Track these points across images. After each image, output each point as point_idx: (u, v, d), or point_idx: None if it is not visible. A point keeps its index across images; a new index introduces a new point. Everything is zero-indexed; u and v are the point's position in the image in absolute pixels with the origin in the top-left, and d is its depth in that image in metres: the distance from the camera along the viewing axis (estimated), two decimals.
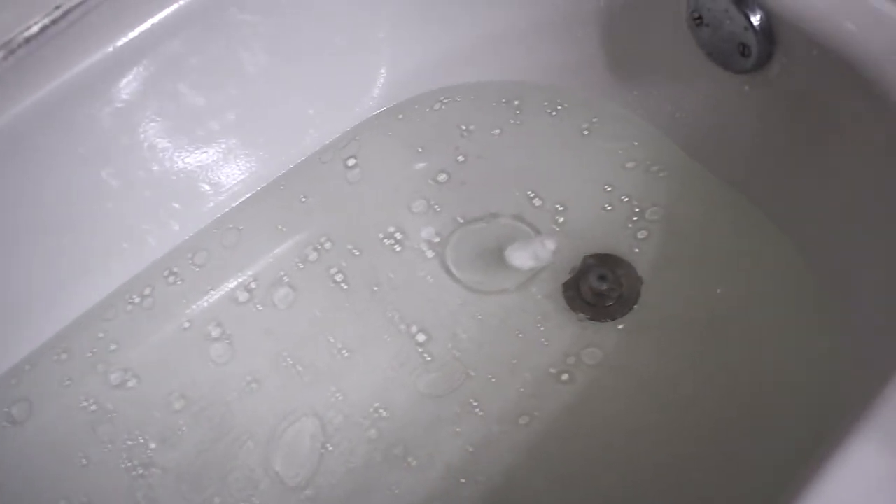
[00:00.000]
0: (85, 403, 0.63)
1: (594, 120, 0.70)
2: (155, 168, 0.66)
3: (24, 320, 0.63)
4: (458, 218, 0.67)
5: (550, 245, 0.61)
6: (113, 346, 0.64)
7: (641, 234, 0.64)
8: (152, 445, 0.61)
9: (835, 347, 0.54)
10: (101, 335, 0.65)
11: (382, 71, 0.73)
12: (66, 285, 0.65)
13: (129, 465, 0.61)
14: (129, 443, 0.61)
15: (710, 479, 0.55)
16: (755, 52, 0.53)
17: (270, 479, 0.59)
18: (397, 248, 0.67)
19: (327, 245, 0.68)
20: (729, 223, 0.63)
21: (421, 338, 0.63)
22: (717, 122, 0.63)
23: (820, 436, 0.41)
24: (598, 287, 0.61)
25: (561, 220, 0.66)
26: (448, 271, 0.65)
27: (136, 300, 0.66)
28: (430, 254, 0.66)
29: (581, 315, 0.61)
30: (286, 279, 0.66)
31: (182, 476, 0.60)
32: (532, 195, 0.67)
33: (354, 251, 0.67)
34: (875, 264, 0.52)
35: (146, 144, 0.65)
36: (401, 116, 0.73)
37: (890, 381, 0.39)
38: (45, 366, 0.64)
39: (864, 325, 0.52)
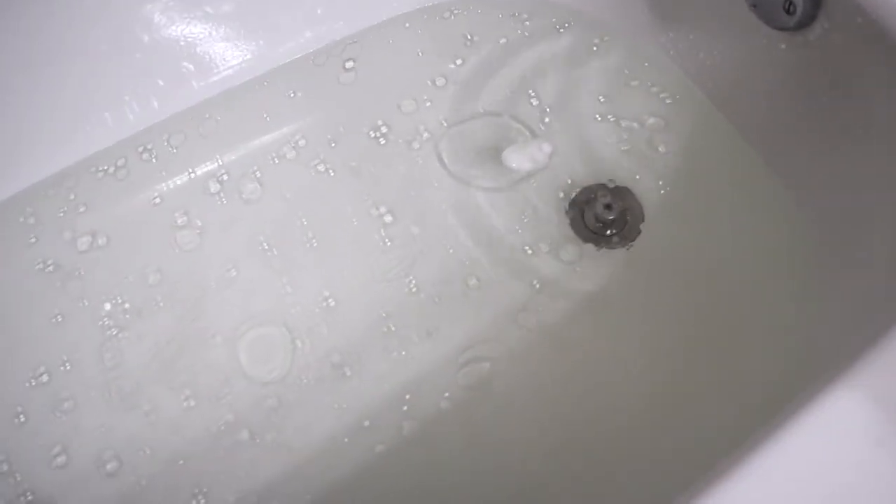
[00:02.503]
0: (42, 264, 0.67)
1: (606, 38, 0.73)
2: (146, 38, 0.71)
3: None
4: (449, 118, 0.71)
5: (546, 148, 0.66)
6: (82, 209, 0.69)
7: (624, 147, 0.68)
8: (127, 306, 0.66)
9: (822, 317, 0.57)
10: (71, 197, 0.69)
11: None
12: (42, 144, 0.69)
13: (106, 322, 0.65)
14: (107, 305, 0.66)
15: (663, 393, 0.59)
16: (800, 11, 0.55)
17: (243, 376, 0.63)
18: (382, 140, 0.71)
19: (302, 142, 0.71)
20: (733, 172, 0.67)
21: (388, 219, 0.67)
22: (745, 75, 0.66)
23: (792, 388, 0.43)
24: (603, 215, 0.65)
25: (547, 120, 0.70)
26: (441, 162, 0.69)
27: (110, 169, 0.70)
28: (416, 145, 0.70)
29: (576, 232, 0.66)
30: (258, 174, 0.70)
31: (156, 355, 0.64)
32: (530, 96, 0.71)
33: (335, 143, 0.71)
34: (879, 239, 0.55)
35: (143, 13, 0.70)
36: (407, 25, 0.77)
37: (876, 343, 0.41)
38: (11, 225, 0.69)
39: (856, 296, 0.54)
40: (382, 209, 0.68)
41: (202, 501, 0.59)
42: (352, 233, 0.67)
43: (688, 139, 0.68)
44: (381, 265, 0.66)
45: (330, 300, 0.65)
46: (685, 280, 0.63)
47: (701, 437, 0.56)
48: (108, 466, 0.61)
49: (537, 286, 0.64)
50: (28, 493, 0.60)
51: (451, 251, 0.65)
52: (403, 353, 0.62)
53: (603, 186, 0.66)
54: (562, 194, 0.67)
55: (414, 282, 0.65)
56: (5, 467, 0.61)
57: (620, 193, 0.66)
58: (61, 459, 0.61)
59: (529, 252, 0.65)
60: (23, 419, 0.62)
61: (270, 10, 0.74)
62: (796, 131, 0.61)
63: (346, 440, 0.60)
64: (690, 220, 0.65)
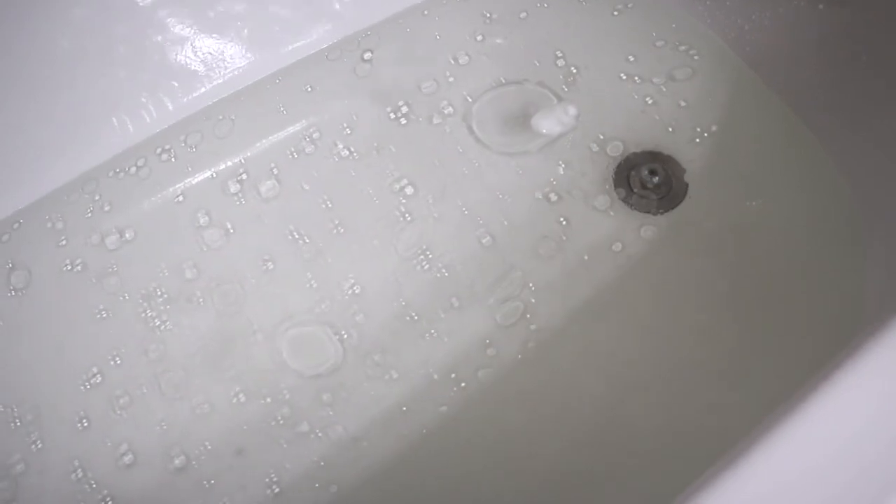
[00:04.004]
0: (71, 265, 0.69)
1: (630, 5, 0.75)
2: (159, 40, 0.73)
3: (16, 178, 0.70)
4: (473, 91, 0.73)
5: (572, 110, 0.68)
6: (107, 208, 0.70)
7: (649, 100, 0.70)
8: (167, 297, 0.67)
9: (868, 271, 0.58)
10: (96, 198, 0.71)
11: None
12: (62, 148, 0.71)
13: (148, 314, 0.67)
14: (146, 299, 0.67)
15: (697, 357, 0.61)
16: None
17: (291, 371, 0.64)
18: (403, 120, 0.72)
19: (317, 134, 0.73)
20: (769, 130, 0.68)
21: (409, 191, 0.69)
22: (782, 35, 0.67)
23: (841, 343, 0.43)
24: (648, 180, 0.67)
25: (572, 81, 0.72)
26: (471, 132, 0.71)
27: (131, 170, 0.72)
28: (437, 120, 0.72)
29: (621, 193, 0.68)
30: (275, 171, 0.72)
31: (200, 348, 0.65)
32: (557, 57, 0.73)
33: (356, 127, 0.73)
34: None
35: (156, 16, 0.72)
36: (426, 13, 0.78)
37: None
38: (40, 229, 0.70)
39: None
40: (404, 182, 0.69)
41: (276, 490, 0.59)
42: (374, 212, 0.68)
43: (718, 97, 0.69)
44: (401, 242, 0.67)
45: (356, 287, 0.66)
46: (724, 236, 0.64)
47: (751, 389, 0.57)
48: (176, 462, 0.61)
49: (564, 223, 0.66)
50: (108, 499, 0.60)
51: (465, 211, 0.67)
52: (434, 332, 0.64)
53: (641, 153, 0.68)
54: (596, 147, 0.69)
55: (430, 256, 0.66)
56: (80, 473, 0.61)
57: (658, 157, 0.68)
58: (128, 458, 0.62)
59: (554, 199, 0.67)
60: (86, 423, 0.63)
61: (284, 8, 0.76)
62: (834, 91, 0.62)
63: (416, 433, 0.61)
64: (727, 178, 0.66)
